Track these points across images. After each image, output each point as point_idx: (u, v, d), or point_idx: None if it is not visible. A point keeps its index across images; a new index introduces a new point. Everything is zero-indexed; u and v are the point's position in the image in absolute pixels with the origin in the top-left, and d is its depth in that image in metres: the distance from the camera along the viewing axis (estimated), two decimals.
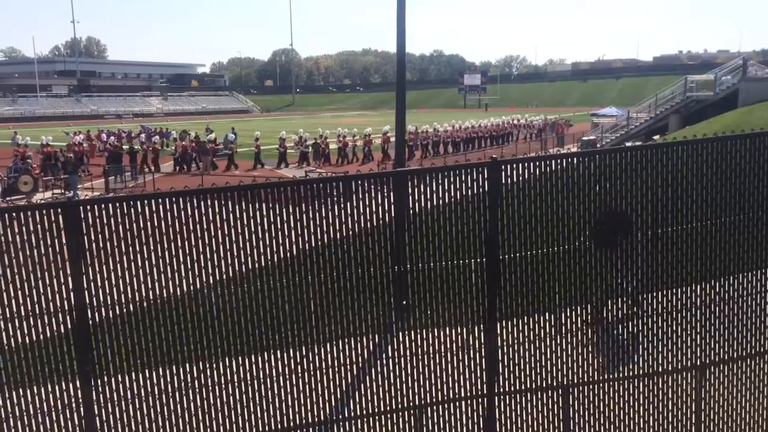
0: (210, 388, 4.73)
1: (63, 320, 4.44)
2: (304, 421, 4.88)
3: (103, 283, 4.47)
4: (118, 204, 4.48)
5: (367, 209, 4.84)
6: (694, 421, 5.50)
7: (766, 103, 30.24)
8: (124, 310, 4.54)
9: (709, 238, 5.36)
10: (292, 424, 4.86)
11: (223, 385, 4.74)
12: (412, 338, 5.00)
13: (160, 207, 4.52)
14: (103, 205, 4.46)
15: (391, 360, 5.00)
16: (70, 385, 4.51)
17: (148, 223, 4.51)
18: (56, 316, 4.42)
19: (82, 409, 4.52)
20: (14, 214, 4.33)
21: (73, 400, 4.52)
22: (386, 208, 4.88)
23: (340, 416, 4.99)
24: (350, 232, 4.83)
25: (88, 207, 4.43)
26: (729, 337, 5.48)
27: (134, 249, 4.51)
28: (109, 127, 56.06)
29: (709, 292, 5.40)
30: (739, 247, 5.42)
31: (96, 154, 37.38)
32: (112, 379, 4.56)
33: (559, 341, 5.20)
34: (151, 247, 4.54)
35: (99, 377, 4.53)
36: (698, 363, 5.45)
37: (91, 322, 4.48)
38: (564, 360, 5.22)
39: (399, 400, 5.02)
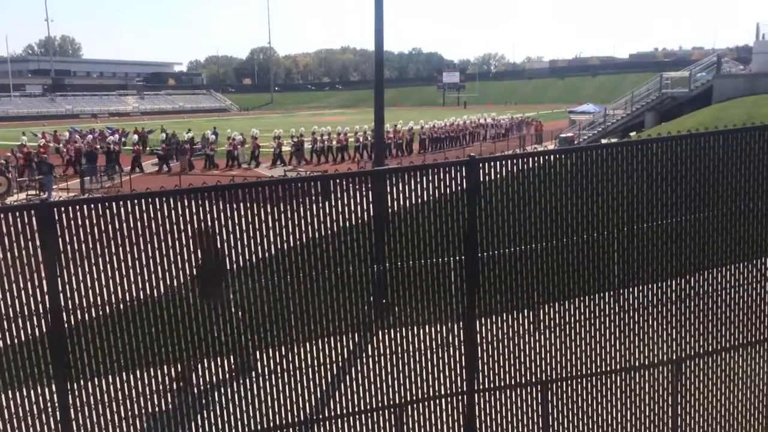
0: (189, 390, 4.69)
1: (38, 323, 4.38)
2: (284, 422, 4.87)
3: (79, 286, 4.42)
4: (93, 205, 4.42)
5: (346, 208, 4.83)
6: (670, 415, 5.58)
7: (740, 99, 30.72)
8: (100, 312, 4.49)
9: (684, 233, 5.43)
10: (272, 424, 4.84)
11: (201, 387, 4.71)
12: (392, 336, 5.01)
13: (136, 208, 4.47)
14: (78, 207, 4.40)
15: (370, 358, 5.00)
16: (46, 389, 4.45)
17: (124, 225, 4.46)
18: (31, 319, 4.36)
19: (58, 413, 4.47)
20: None
21: (49, 404, 4.46)
22: (365, 207, 4.88)
23: (320, 416, 4.98)
24: (329, 231, 4.82)
25: (63, 208, 4.38)
26: (704, 331, 5.56)
27: (110, 250, 4.46)
28: (84, 126, 55.30)
29: (684, 287, 5.47)
30: (713, 243, 5.50)
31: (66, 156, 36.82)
32: (89, 383, 4.51)
33: (537, 338, 5.24)
34: (127, 249, 4.49)
35: (75, 380, 4.48)
36: (674, 357, 5.52)
37: (66, 324, 4.42)
38: (542, 356, 5.26)
39: (379, 398, 5.02)
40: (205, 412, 4.73)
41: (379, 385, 5.01)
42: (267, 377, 4.79)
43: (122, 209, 4.45)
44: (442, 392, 5.13)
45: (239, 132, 36.37)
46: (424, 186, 4.95)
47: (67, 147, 36.57)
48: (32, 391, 4.43)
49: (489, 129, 48.55)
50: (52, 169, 27.84)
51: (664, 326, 5.47)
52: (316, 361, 4.87)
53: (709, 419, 5.68)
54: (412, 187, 4.94)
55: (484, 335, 5.15)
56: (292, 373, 4.83)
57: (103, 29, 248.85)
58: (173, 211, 4.52)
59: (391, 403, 5.05)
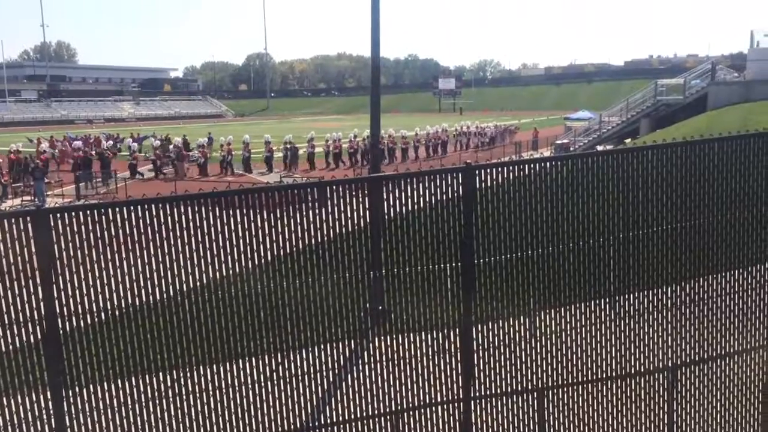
0: (183, 396, 4.67)
1: (33, 330, 4.36)
2: (280, 429, 4.85)
3: (74, 292, 4.40)
4: (88, 212, 4.41)
5: (342, 214, 4.83)
6: (666, 422, 5.58)
7: (735, 106, 30.83)
8: (96, 318, 4.47)
9: (679, 240, 5.44)
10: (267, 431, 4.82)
11: (196, 394, 4.69)
12: (388, 343, 5.00)
13: (132, 215, 4.46)
14: (73, 213, 4.39)
15: (367, 366, 4.99)
16: (41, 396, 4.43)
17: (120, 231, 4.45)
18: (26, 325, 4.34)
19: (53, 420, 4.45)
20: None
21: (44, 411, 4.44)
22: (361, 213, 4.88)
23: (317, 423, 4.97)
24: (326, 238, 4.82)
25: (58, 215, 4.36)
26: (700, 338, 5.57)
27: (105, 257, 4.45)
28: (78, 132, 55.20)
29: (679, 294, 5.48)
30: (708, 250, 5.51)
31: (67, 160, 36.78)
32: (84, 390, 4.49)
33: (533, 344, 5.24)
34: (123, 255, 4.48)
35: (70, 387, 4.46)
36: (670, 364, 5.53)
37: (61, 331, 4.40)
38: (539, 363, 5.26)
39: (375, 405, 5.01)
40: (201, 416, 4.71)
41: (375, 393, 5.00)
42: (263, 384, 4.77)
43: (118, 216, 4.45)
44: (438, 399, 5.12)
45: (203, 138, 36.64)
46: (421, 192, 4.96)
47: (62, 151, 36.56)
48: (27, 398, 4.40)
49: (472, 137, 46.88)
50: (44, 175, 27.73)
51: (660, 333, 5.48)
52: (312, 369, 4.86)
53: (705, 426, 5.68)
54: (409, 194, 4.94)
55: (480, 342, 5.14)
56: (288, 380, 4.82)
57: (99, 35, 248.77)
58: (169, 218, 4.52)
59: (387, 410, 5.04)
